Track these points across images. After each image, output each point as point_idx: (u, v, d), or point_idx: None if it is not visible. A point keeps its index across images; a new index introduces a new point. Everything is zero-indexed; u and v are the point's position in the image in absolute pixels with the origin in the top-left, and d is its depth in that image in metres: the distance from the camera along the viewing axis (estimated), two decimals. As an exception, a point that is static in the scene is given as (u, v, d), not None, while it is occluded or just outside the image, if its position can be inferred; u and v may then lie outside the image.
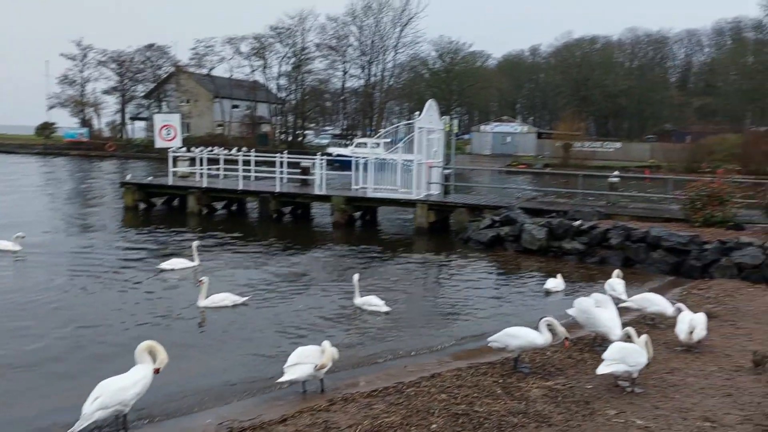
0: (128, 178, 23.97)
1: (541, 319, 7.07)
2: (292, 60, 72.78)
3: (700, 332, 7.69)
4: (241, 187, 22.18)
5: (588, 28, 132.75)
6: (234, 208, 23.29)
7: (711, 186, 15.51)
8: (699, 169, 32.95)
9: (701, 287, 11.58)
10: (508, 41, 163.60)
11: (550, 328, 6.92)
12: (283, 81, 74.58)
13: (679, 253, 13.40)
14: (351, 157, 22.75)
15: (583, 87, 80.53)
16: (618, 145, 63.17)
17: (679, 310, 8.45)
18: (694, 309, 8.52)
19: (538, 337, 6.92)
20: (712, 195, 15.24)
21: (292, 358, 6.61)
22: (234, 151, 26.32)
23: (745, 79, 72.54)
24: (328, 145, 57.41)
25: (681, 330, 7.68)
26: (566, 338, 6.97)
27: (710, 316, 8.34)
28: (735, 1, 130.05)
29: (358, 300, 10.36)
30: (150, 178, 25.16)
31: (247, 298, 10.48)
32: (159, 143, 25.25)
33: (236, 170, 22.64)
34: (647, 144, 61.89)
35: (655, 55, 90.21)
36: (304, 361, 6.55)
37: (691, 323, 7.67)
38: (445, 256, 15.72)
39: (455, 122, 25.59)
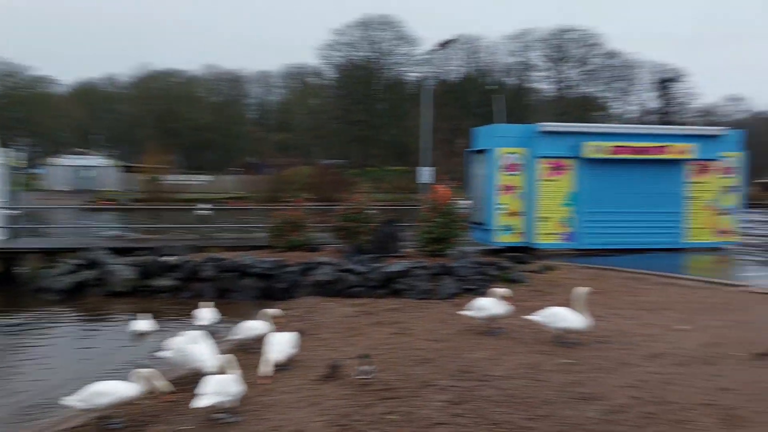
0: None
1: (136, 369, 6.51)
2: None
3: (290, 350, 8.19)
4: None
5: (167, 61, 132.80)
6: None
7: (291, 213, 17.08)
8: (281, 199, 36.21)
9: (289, 307, 12.51)
10: (81, 68, 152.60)
11: (147, 381, 6.40)
12: None
13: (266, 278, 14.24)
14: None
15: (167, 119, 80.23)
16: (210, 177, 65.05)
17: (267, 313, 8.94)
18: (285, 329, 9.07)
19: (129, 389, 6.33)
20: (292, 222, 16.80)
21: None
22: None
23: (311, 118, 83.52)
24: None
25: (268, 351, 8.01)
26: (168, 393, 6.54)
27: (301, 333, 8.98)
28: (299, 49, 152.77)
29: None
30: None
31: None
32: None
33: None
34: (235, 176, 65.40)
35: (232, 92, 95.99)
36: None
37: (273, 344, 8.01)
38: (15, 312, 13.42)
39: (22, 155, 22.50)
